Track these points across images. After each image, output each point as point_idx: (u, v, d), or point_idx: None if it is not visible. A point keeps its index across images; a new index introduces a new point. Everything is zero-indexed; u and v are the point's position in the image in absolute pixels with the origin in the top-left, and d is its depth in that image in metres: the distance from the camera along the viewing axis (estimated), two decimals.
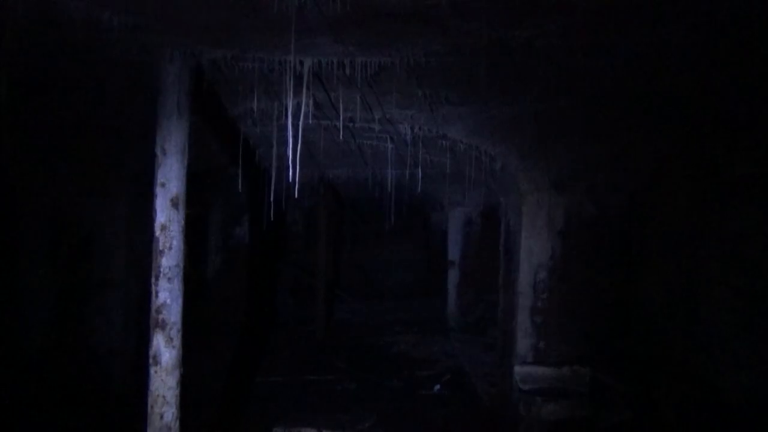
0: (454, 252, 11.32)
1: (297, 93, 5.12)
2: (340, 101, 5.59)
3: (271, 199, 6.50)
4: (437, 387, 8.47)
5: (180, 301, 4.58)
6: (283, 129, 6.36)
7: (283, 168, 7.35)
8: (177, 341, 4.52)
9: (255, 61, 4.78)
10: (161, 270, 4.53)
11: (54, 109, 5.88)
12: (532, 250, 7.26)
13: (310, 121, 6.06)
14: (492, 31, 4.09)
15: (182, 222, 4.65)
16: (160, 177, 4.59)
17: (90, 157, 6.94)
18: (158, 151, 4.63)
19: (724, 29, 3.98)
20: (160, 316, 4.50)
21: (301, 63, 4.75)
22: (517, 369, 6.79)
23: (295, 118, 5.28)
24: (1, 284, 7.02)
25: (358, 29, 4.12)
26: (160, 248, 4.55)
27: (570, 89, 5.35)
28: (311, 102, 5.71)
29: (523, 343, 7.04)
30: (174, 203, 4.58)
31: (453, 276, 11.36)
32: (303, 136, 5.25)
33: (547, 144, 6.78)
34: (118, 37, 4.21)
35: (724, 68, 4.65)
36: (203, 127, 6.37)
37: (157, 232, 4.57)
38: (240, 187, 7.33)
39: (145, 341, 4.67)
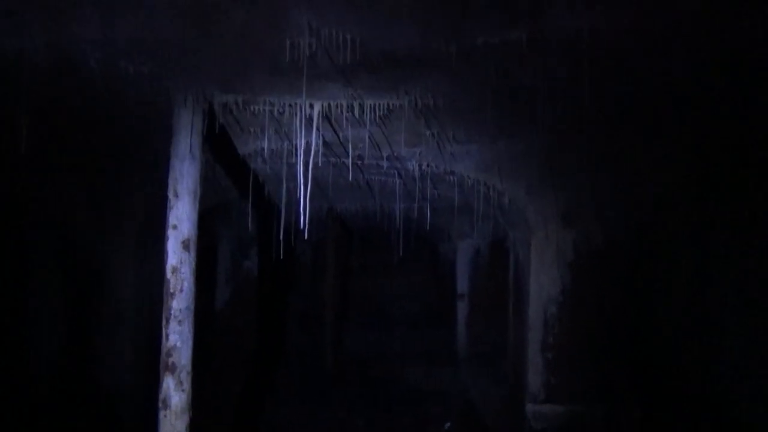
0: (462, 283, 11.26)
1: (307, 133, 5.20)
2: (349, 140, 5.66)
3: (281, 232, 6.54)
4: (448, 425, 8.34)
5: (190, 343, 4.57)
6: (292, 166, 6.45)
7: (292, 202, 7.41)
8: (187, 385, 4.50)
9: (266, 104, 4.87)
10: (172, 312, 4.54)
11: (68, 146, 5.98)
12: (542, 284, 7.22)
13: (320, 160, 6.12)
14: (499, 74, 4.16)
15: (193, 264, 4.67)
16: (172, 219, 4.64)
17: (102, 194, 7.03)
18: (170, 194, 4.68)
19: (726, 67, 4.02)
20: (170, 359, 4.49)
21: (311, 106, 4.83)
22: (529, 407, 6.68)
23: (305, 156, 5.35)
24: (12, 319, 7.05)
25: (367, 74, 4.20)
26: (171, 290, 4.56)
27: (576, 124, 5.38)
28: (320, 141, 5.78)
29: (535, 379, 6.94)
30: (185, 245, 4.62)
31: (462, 308, 11.29)
32: (312, 172, 5.30)
33: (554, 178, 6.79)
34: (133, 83, 4.31)
35: (729, 98, 4.67)
36: (214, 164, 6.46)
37: (168, 275, 4.59)
38: (249, 220, 7.38)
39: (153, 379, 4.66)
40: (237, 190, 7.75)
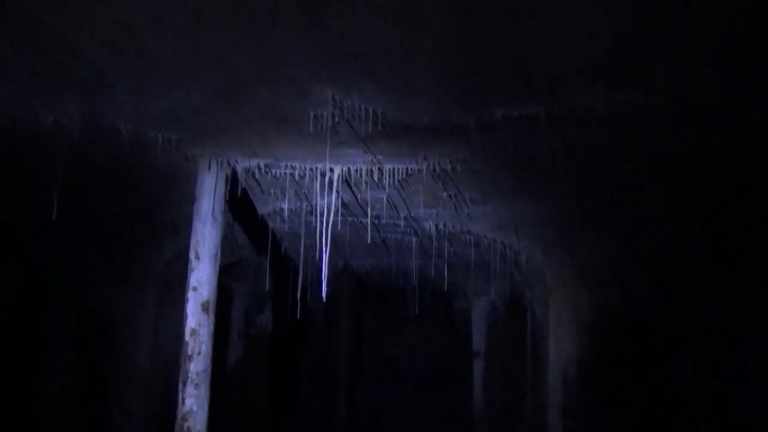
0: (479, 341, 11.06)
1: (326, 195, 5.30)
2: (368, 202, 5.73)
3: (298, 289, 6.57)
4: None
5: (206, 408, 4.52)
6: (310, 225, 6.52)
7: (308, 259, 7.46)
8: None
9: (287, 168, 4.99)
10: (189, 375, 4.51)
11: (91, 210, 6.12)
12: (561, 345, 7.09)
13: (338, 220, 6.19)
14: (516, 143, 4.25)
15: (212, 327, 4.68)
16: (192, 281, 4.68)
17: (121, 251, 7.12)
18: (192, 256, 4.75)
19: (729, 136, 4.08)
20: (186, 424, 4.43)
21: (332, 170, 4.93)
22: None
23: (323, 216, 5.42)
24: (27, 375, 7.02)
25: (387, 142, 4.31)
26: (189, 353, 4.55)
27: (592, 189, 5.42)
28: (339, 202, 5.86)
29: None
30: (204, 308, 4.64)
31: (478, 367, 11.04)
32: (329, 231, 5.36)
33: (572, 239, 6.79)
34: (160, 150, 4.46)
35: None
36: (233, 224, 6.56)
37: (187, 337, 4.60)
38: (267, 277, 7.40)
39: None
40: (254, 248, 7.82)
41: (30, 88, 3.44)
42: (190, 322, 4.60)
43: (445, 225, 6.69)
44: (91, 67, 3.23)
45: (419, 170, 4.87)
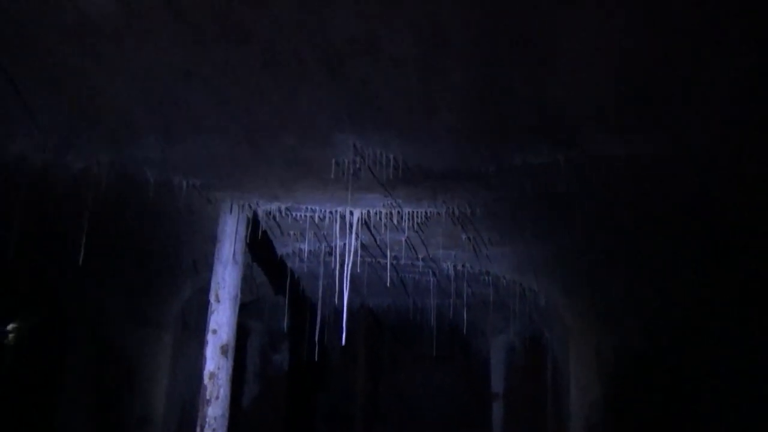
0: (497, 382, 10.84)
1: (345, 237, 5.33)
2: (387, 244, 5.75)
3: (316, 328, 6.55)
4: None
5: None
6: (328, 265, 6.54)
7: (325, 299, 7.45)
8: None
9: (307, 211, 5.05)
10: (206, 420, 4.47)
11: (113, 247, 6.22)
12: (583, 389, 6.91)
13: (357, 260, 6.21)
14: (536, 187, 4.26)
15: (230, 370, 4.67)
16: (212, 324, 4.69)
17: (141, 291, 7.18)
18: (212, 299, 4.77)
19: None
20: None
21: (351, 213, 4.98)
22: None
23: (342, 258, 5.45)
24: (44, 410, 7.02)
25: (407, 187, 4.35)
26: (207, 397, 4.53)
27: (614, 229, 5.38)
28: (358, 244, 5.89)
29: None
30: (224, 351, 4.64)
31: (497, 409, 10.79)
32: (348, 271, 5.37)
33: (592, 280, 6.70)
34: (184, 194, 4.54)
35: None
36: (252, 264, 6.60)
37: (206, 380, 4.58)
38: (286, 316, 7.39)
39: None
40: (272, 287, 7.84)
41: (63, 137, 3.56)
42: (209, 366, 4.59)
43: (463, 266, 6.66)
44: (121, 117, 3.34)
45: (438, 213, 4.90)
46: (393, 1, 2.32)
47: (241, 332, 10.47)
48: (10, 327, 9.18)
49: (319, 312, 6.99)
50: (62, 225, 5.10)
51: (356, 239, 5.42)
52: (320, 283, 6.95)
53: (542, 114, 3.15)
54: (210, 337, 4.67)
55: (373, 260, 6.66)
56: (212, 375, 4.57)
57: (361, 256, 6.27)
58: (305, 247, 5.82)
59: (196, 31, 2.56)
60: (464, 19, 2.38)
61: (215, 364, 4.59)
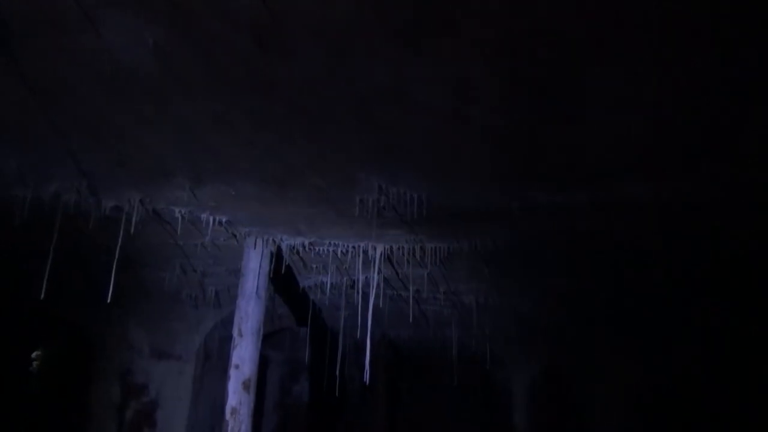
0: (520, 417, 10.60)
1: (367, 271, 5.35)
2: (409, 278, 5.74)
3: (337, 360, 6.51)
4: None
5: None
6: (350, 297, 6.54)
7: (347, 330, 7.42)
8: None
9: (330, 246, 5.08)
10: None
11: (138, 281, 6.30)
12: (608, 423, 6.73)
13: (380, 293, 6.20)
14: (559, 225, 4.24)
15: (252, 405, 4.65)
16: (235, 359, 4.70)
17: (163, 323, 7.25)
18: (235, 333, 4.79)
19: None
20: None
21: (374, 248, 4.99)
22: None
23: (364, 290, 5.45)
24: None
25: (430, 225, 4.36)
26: None
27: (639, 266, 5.31)
28: (380, 278, 5.88)
29: None
30: (246, 386, 4.63)
31: None
32: (368, 303, 5.38)
33: (619, 314, 6.59)
34: (210, 230, 4.61)
35: None
36: (274, 296, 6.62)
37: (228, 416, 4.57)
38: (307, 347, 7.37)
39: None
40: (294, 318, 7.85)
41: (96, 179, 3.67)
42: (231, 401, 4.59)
43: (485, 299, 6.60)
44: (153, 161, 3.43)
45: (461, 249, 4.89)
46: (421, 52, 2.37)
47: (261, 362, 10.45)
48: (34, 355, 9.32)
49: (340, 344, 6.97)
50: (91, 259, 5.21)
51: (378, 273, 5.43)
52: (342, 315, 6.94)
53: (567, 158, 3.16)
54: (232, 372, 4.67)
55: (395, 293, 6.64)
56: (234, 410, 4.56)
57: (382, 290, 6.26)
58: (328, 280, 5.84)
59: (228, 82, 2.64)
60: (492, 72, 2.42)
61: (237, 399, 4.59)
